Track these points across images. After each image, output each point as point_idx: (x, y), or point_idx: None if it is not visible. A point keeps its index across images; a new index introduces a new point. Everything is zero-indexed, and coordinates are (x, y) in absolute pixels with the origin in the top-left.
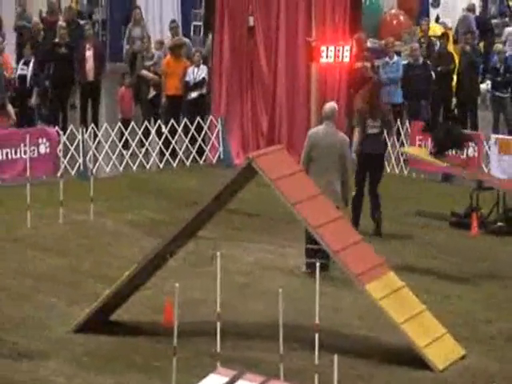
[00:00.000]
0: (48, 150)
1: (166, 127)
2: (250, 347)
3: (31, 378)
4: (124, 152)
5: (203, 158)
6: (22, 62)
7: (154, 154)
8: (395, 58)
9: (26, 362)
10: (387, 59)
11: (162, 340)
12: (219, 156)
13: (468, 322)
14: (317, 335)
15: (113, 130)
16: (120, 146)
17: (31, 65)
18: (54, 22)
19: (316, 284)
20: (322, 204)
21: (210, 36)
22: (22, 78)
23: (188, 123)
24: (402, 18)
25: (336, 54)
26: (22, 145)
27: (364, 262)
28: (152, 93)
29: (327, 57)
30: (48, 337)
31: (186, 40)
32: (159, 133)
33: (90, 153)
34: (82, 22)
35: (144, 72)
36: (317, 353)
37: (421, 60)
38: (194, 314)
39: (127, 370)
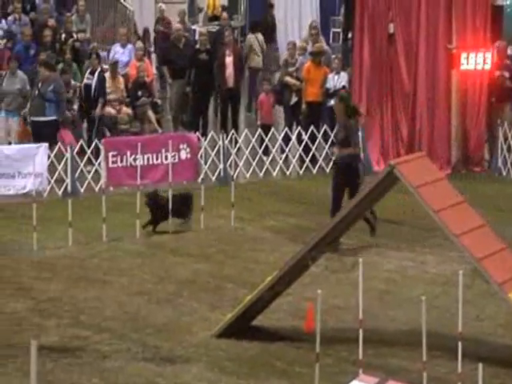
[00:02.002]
0: (189, 156)
1: (306, 134)
2: (391, 354)
3: (174, 382)
4: (264, 158)
5: None
6: (88, 71)
7: (294, 161)
8: None
9: (169, 366)
10: None
11: (303, 346)
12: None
13: None
14: (460, 343)
15: (253, 136)
16: (260, 151)
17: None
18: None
19: (459, 292)
20: (465, 212)
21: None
22: (88, 87)
23: (328, 130)
24: None
25: (476, 61)
26: (164, 150)
27: (507, 271)
28: (294, 99)
29: (467, 64)
30: (190, 341)
31: (326, 47)
32: (300, 139)
33: (231, 158)
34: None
35: (287, 78)
36: (460, 361)
37: None
38: (335, 320)
39: (269, 376)
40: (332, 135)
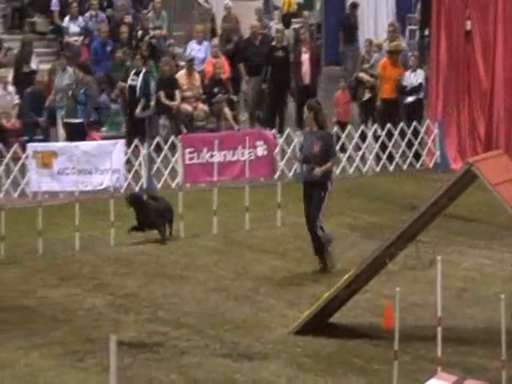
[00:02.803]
0: (265, 153)
1: (383, 131)
2: (470, 352)
3: (252, 378)
4: (340, 155)
5: (419, 162)
6: (133, 72)
7: (370, 158)
8: None
9: (247, 362)
10: None
11: (381, 343)
12: (436, 160)
13: None
14: None
15: None
16: (337, 148)
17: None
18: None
19: None
20: None
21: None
22: (132, 88)
23: (405, 127)
24: None
25: None
26: (240, 147)
27: None
28: (367, 95)
29: None
30: (268, 338)
31: (404, 45)
32: (376, 136)
33: None
34: (297, 26)
35: (361, 74)
36: None
37: None
38: (413, 318)
39: (347, 373)
40: (409, 132)
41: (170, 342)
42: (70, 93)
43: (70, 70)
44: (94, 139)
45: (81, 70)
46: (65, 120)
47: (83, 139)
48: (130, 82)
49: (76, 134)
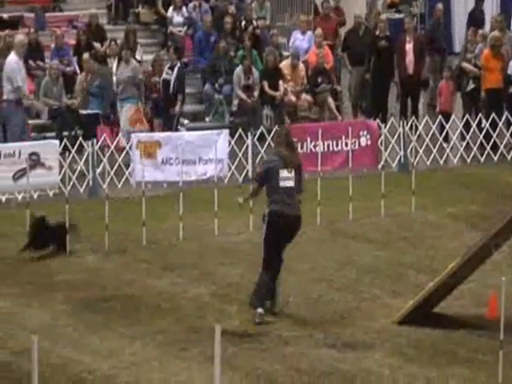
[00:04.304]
0: (369, 143)
1: (487, 121)
2: None
3: (357, 367)
4: (444, 145)
5: None
6: (167, 65)
7: (474, 148)
8: None
9: (350, 352)
10: None
11: (486, 334)
12: None
13: None
14: None
15: (433, 123)
16: (441, 139)
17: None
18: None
19: None
20: None
21: None
22: (166, 82)
23: (510, 117)
24: None
25: None
26: (344, 137)
27: None
28: (471, 85)
29: None
30: (372, 328)
31: (510, 35)
32: (480, 126)
33: (411, 145)
34: (401, 16)
35: (464, 64)
36: None
37: None
38: None
39: (451, 364)
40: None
41: (274, 331)
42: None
43: (133, 62)
44: (101, 134)
45: (96, 61)
46: (79, 111)
47: (93, 131)
48: (164, 75)
49: (86, 124)
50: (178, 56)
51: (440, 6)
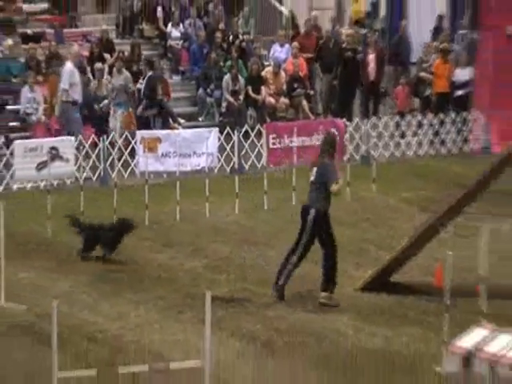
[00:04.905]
0: (337, 139)
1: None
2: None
3: (328, 329)
4: (401, 141)
5: (468, 147)
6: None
7: (425, 143)
8: None
9: (324, 315)
10: None
11: (433, 300)
12: (482, 145)
13: None
14: None
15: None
16: (397, 135)
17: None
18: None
19: None
20: None
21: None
22: (139, 90)
23: (454, 117)
24: None
25: None
26: (315, 133)
27: None
28: (427, 91)
29: None
30: (342, 294)
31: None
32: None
33: (372, 141)
34: (364, 31)
35: (422, 74)
36: None
37: None
38: (461, 278)
39: (404, 324)
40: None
41: (257, 297)
42: None
43: (125, 72)
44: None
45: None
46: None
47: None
48: (138, 85)
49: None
50: (150, 67)
51: (403, 22)
